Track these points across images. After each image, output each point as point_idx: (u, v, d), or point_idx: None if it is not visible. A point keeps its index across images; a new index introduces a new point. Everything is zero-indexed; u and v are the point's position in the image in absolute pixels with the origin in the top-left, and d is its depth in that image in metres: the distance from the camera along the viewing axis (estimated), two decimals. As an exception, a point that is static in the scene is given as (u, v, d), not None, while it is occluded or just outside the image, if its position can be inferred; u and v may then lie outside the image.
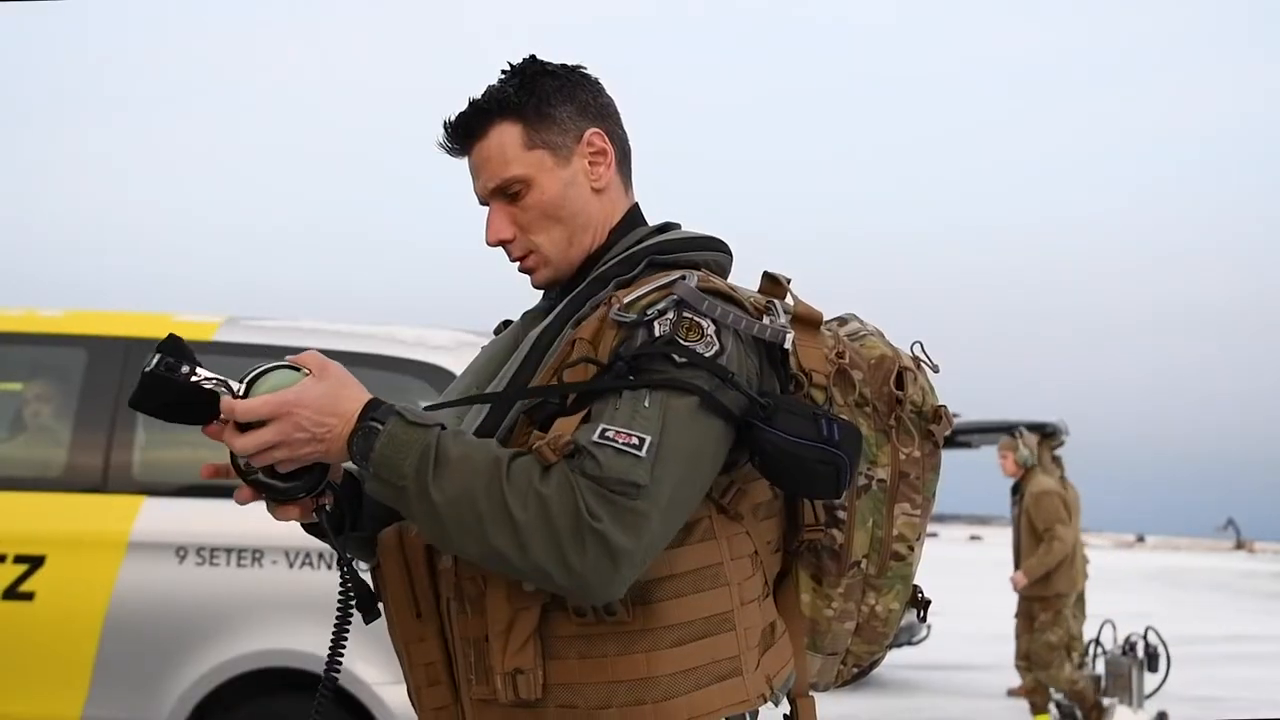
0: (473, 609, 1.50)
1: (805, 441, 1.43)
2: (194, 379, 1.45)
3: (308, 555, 4.02)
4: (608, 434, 1.40)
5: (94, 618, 3.96)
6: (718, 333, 1.48)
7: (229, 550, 4.03)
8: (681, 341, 1.46)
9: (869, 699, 8.73)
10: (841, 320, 1.72)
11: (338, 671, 1.55)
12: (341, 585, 1.56)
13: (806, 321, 1.61)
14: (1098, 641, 7.94)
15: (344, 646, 1.55)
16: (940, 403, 1.69)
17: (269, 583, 3.99)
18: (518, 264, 1.65)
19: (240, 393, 1.44)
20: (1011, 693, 8.18)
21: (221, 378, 1.46)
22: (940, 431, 1.68)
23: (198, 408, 1.46)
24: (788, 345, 1.53)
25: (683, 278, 1.52)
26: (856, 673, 1.76)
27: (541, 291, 1.71)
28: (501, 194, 1.61)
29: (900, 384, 1.64)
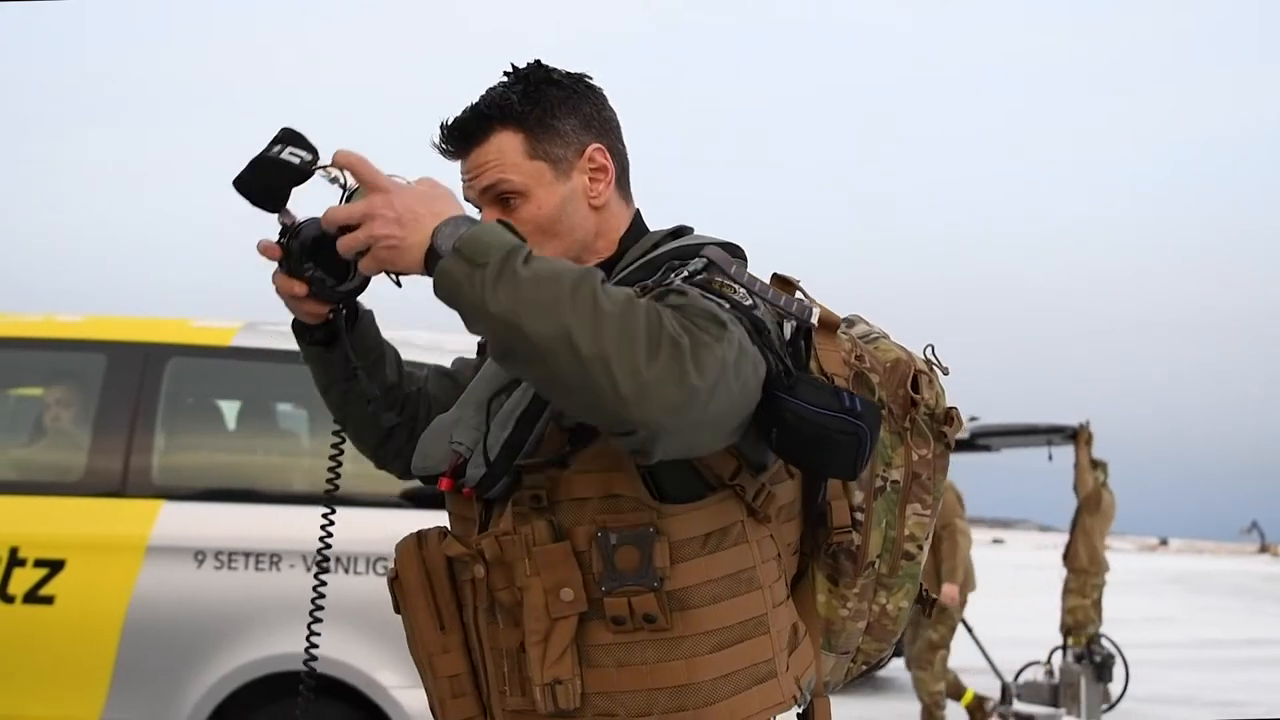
0: (506, 619, 1.49)
1: (828, 411, 1.40)
2: (316, 166, 1.44)
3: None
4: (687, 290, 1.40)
5: (113, 621, 3.97)
6: (749, 294, 1.46)
7: (247, 554, 4.04)
8: (717, 288, 1.44)
9: (885, 702, 8.71)
10: (849, 322, 1.72)
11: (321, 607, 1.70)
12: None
13: (824, 324, 1.60)
14: (1064, 648, 7.75)
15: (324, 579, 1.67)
16: (951, 405, 1.69)
17: (287, 587, 3.99)
18: None
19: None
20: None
21: (340, 172, 1.46)
22: (952, 433, 1.69)
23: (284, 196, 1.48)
24: (814, 321, 1.52)
25: (710, 244, 1.51)
26: (865, 669, 1.77)
27: None
28: (494, 200, 1.57)
29: (916, 387, 1.65)
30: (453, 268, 1.32)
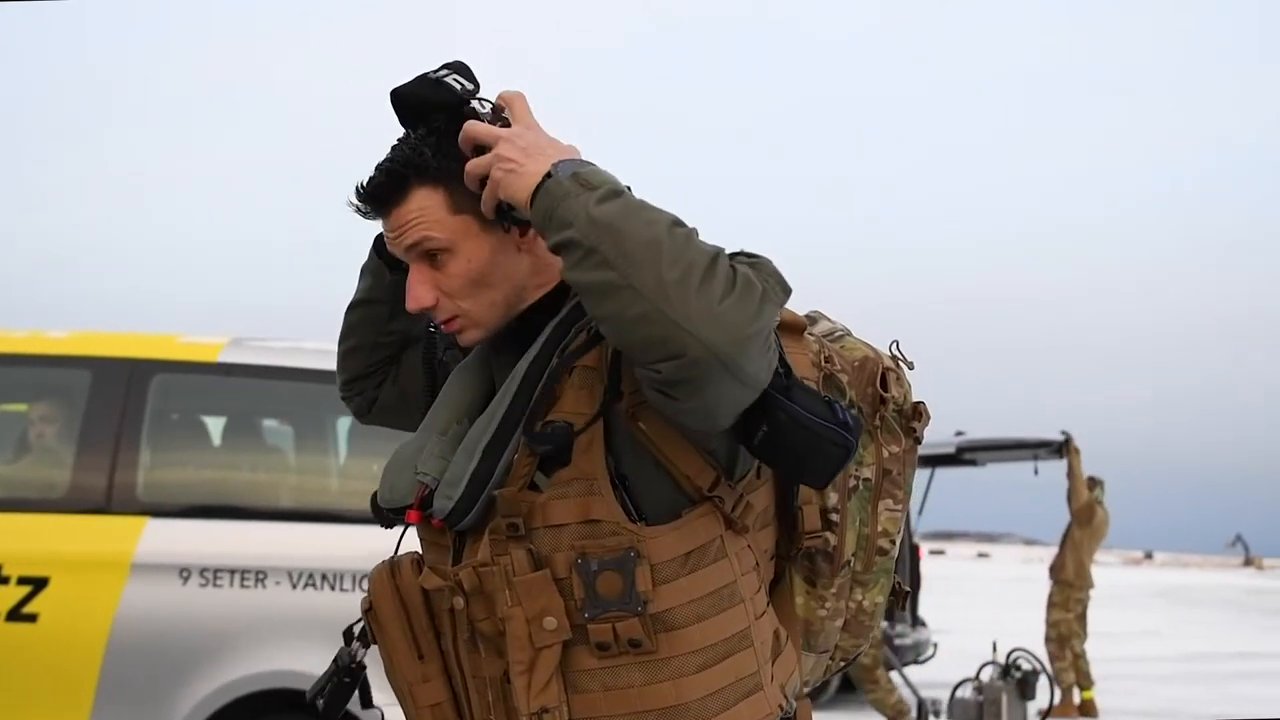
0: (488, 649, 1.48)
1: (823, 421, 1.42)
2: (475, 97, 1.51)
3: (310, 576, 4.01)
4: None
5: (97, 639, 3.95)
6: None
7: (232, 571, 4.02)
8: None
9: (876, 716, 8.68)
10: (811, 319, 1.73)
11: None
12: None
13: (791, 328, 1.61)
14: (994, 663, 7.69)
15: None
16: (918, 399, 1.71)
17: (272, 604, 3.98)
18: (443, 325, 1.58)
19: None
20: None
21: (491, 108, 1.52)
22: (921, 428, 1.70)
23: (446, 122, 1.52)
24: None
25: None
26: (843, 665, 1.77)
27: None
28: (421, 256, 1.54)
29: (884, 384, 1.66)
30: (565, 183, 1.38)
